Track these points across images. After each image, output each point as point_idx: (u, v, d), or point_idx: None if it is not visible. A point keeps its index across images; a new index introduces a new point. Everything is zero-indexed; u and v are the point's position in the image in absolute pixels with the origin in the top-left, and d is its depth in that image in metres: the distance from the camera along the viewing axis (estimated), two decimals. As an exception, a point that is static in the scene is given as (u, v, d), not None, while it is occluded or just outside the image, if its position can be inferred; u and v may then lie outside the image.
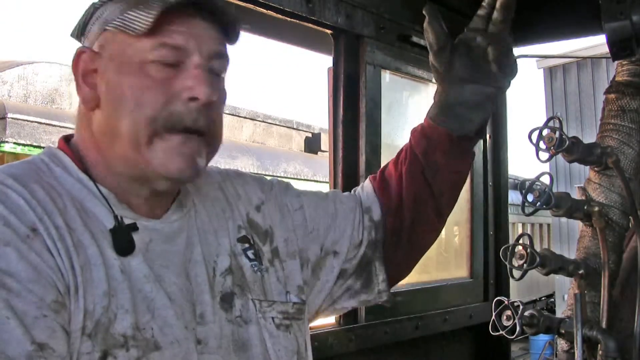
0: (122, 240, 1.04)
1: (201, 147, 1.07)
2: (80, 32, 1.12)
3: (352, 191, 1.48)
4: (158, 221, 1.11)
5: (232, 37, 1.12)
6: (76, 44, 1.14)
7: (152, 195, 1.11)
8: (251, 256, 1.23)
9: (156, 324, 1.01)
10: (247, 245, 1.24)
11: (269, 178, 1.42)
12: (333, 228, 1.37)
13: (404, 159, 1.41)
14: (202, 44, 1.06)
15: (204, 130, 1.07)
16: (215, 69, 1.09)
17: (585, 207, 1.59)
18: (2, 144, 6.27)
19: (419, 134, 1.39)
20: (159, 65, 1.04)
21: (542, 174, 1.51)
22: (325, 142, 10.99)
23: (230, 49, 1.14)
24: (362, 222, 1.39)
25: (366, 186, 1.45)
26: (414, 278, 2.39)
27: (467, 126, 1.36)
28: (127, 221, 1.06)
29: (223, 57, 1.11)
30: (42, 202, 0.99)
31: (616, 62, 1.72)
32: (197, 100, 1.04)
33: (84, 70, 1.09)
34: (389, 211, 1.40)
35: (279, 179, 1.44)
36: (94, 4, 1.10)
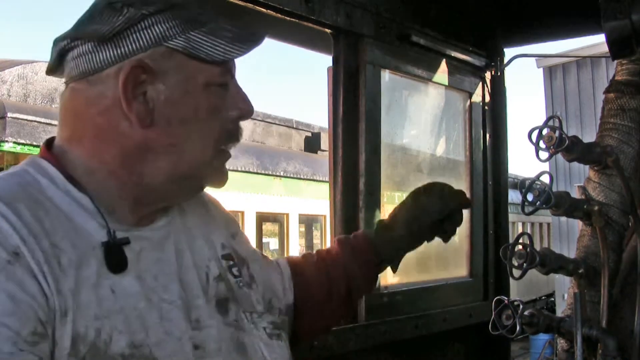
0: (115, 257, 1.02)
1: None
2: (110, 35, 1.03)
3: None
4: (145, 229, 1.11)
5: None
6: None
7: (156, 208, 1.14)
8: (236, 273, 1.24)
9: (152, 341, 1.01)
10: (231, 262, 1.25)
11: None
12: (268, 287, 1.37)
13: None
14: (234, 64, 1.15)
15: None
16: None
17: (585, 206, 1.58)
18: (1, 144, 6.27)
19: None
20: (218, 86, 1.11)
21: (542, 173, 1.50)
22: (325, 141, 10.99)
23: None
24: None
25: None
26: (413, 277, 2.39)
27: None
28: (119, 234, 1.04)
29: None
30: (28, 224, 0.95)
31: (616, 61, 1.72)
32: (243, 118, 1.16)
33: (135, 83, 1.04)
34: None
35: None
36: (140, 11, 1.04)
